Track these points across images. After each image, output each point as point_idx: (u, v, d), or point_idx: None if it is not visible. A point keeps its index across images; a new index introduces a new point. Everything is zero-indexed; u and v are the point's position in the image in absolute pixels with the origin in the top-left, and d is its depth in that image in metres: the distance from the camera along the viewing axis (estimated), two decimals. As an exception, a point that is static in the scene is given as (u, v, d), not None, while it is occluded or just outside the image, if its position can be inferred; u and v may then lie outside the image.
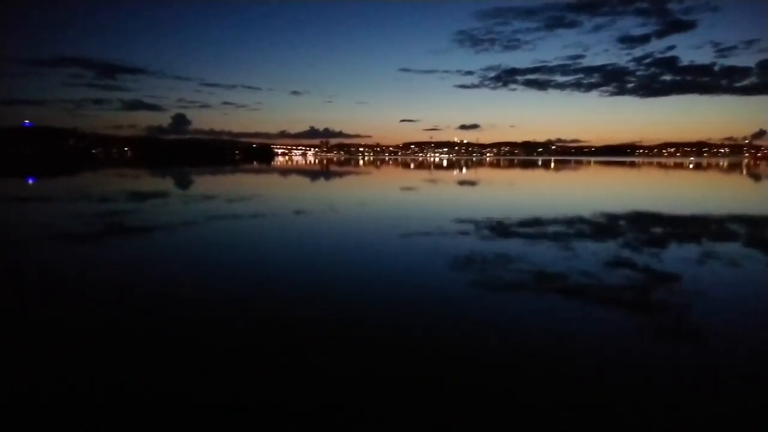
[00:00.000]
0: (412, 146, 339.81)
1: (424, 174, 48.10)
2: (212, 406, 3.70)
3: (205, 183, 31.46)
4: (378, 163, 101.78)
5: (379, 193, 24.85)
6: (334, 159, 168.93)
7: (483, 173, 51.29)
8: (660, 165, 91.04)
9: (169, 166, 57.44)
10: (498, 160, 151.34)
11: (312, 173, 48.49)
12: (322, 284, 7.06)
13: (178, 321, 5.51)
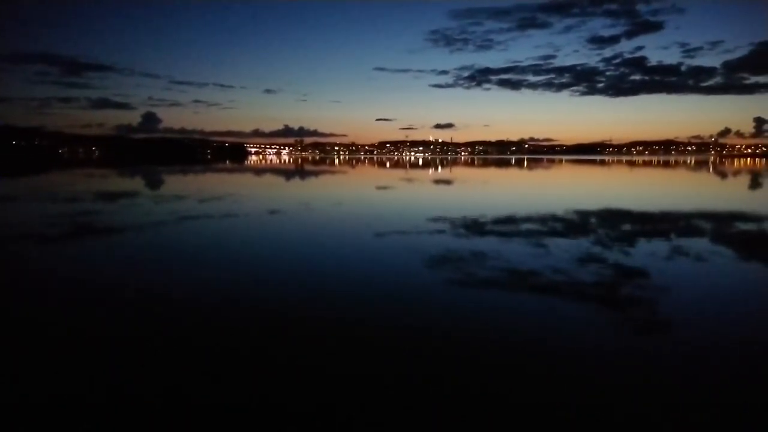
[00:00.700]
0: (388, 145, 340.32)
1: (399, 173, 48.17)
2: (180, 407, 3.58)
3: (176, 183, 30.82)
4: (353, 162, 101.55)
5: (355, 192, 24.76)
6: (309, 158, 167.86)
7: (458, 172, 51.67)
8: (629, 163, 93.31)
9: (137, 166, 56.11)
10: (472, 159, 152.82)
11: (286, 172, 48.03)
12: (296, 283, 6.95)
13: (144, 321, 5.32)
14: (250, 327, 5.27)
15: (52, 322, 5.39)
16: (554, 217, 13.88)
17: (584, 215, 14.51)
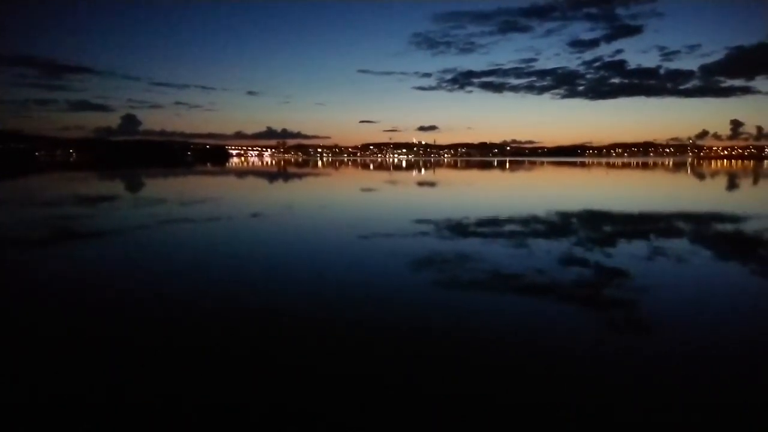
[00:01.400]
0: (372, 147, 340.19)
1: (383, 175, 48.19)
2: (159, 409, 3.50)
3: (154, 186, 30.37)
4: (337, 164, 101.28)
5: (339, 194, 24.70)
6: (292, 160, 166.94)
7: (441, 174, 51.88)
8: (609, 165, 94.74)
9: (115, 169, 55.15)
10: (456, 161, 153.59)
11: (268, 175, 47.67)
12: (280, 286, 6.88)
13: (123, 324, 5.19)
14: (232, 330, 5.18)
15: (31, 325, 5.25)
16: (536, 219, 14.00)
17: (565, 216, 14.65)
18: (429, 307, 6.06)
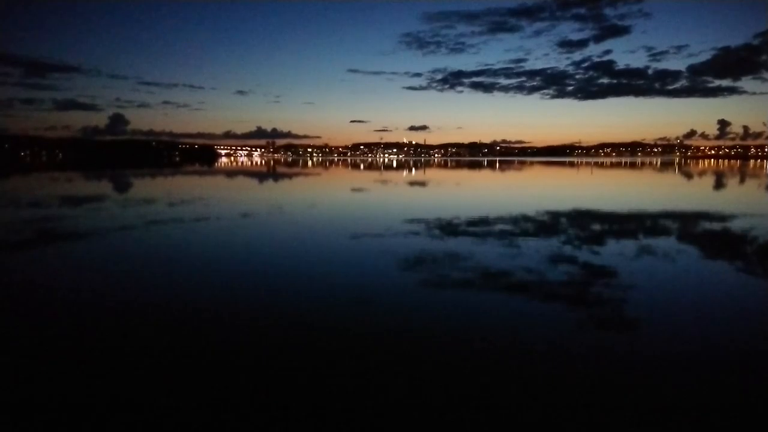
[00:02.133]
0: (362, 147, 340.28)
1: (374, 175, 48.07)
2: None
3: (140, 187, 29.96)
4: (327, 164, 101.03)
5: (329, 194, 24.53)
6: (282, 160, 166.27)
7: (432, 174, 51.88)
8: (597, 164, 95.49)
9: (99, 169, 54.39)
10: (446, 161, 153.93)
11: (257, 175, 47.33)
12: (270, 287, 6.79)
13: (105, 328, 5.08)
14: (219, 330, 5.10)
15: (10, 330, 5.12)
16: (525, 218, 13.96)
17: (554, 216, 14.64)
18: (419, 307, 6.02)
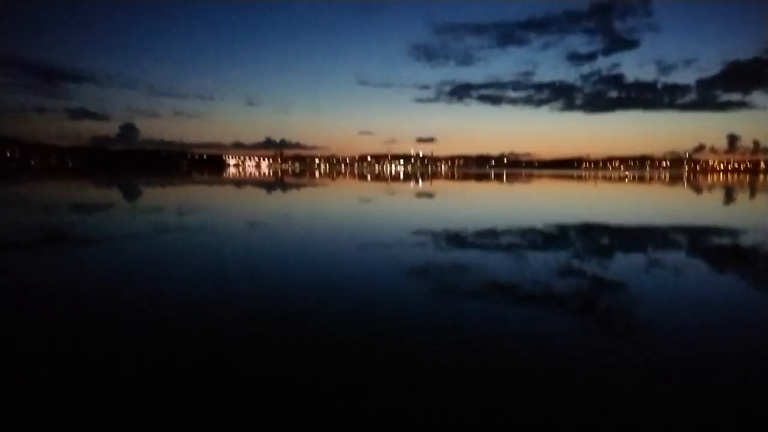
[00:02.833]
0: (369, 158, 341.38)
1: (381, 186, 48.09)
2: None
3: (147, 194, 30.13)
4: (334, 174, 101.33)
5: (336, 204, 24.53)
6: (289, 170, 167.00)
7: (439, 185, 51.82)
8: (605, 178, 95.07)
9: (107, 177, 54.82)
10: (453, 173, 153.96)
11: (265, 185, 47.49)
12: (278, 295, 6.78)
13: (115, 334, 5.08)
14: (224, 336, 5.09)
15: (21, 334, 5.12)
16: (534, 231, 13.85)
17: (562, 229, 14.51)
18: (425, 315, 5.99)
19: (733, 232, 14.34)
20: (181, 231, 13.04)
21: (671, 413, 3.77)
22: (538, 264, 9.17)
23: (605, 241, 12.50)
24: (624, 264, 9.34)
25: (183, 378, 4.23)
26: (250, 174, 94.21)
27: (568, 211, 21.26)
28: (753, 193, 41.30)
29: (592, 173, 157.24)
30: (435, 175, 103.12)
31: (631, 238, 13.21)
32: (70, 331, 5.32)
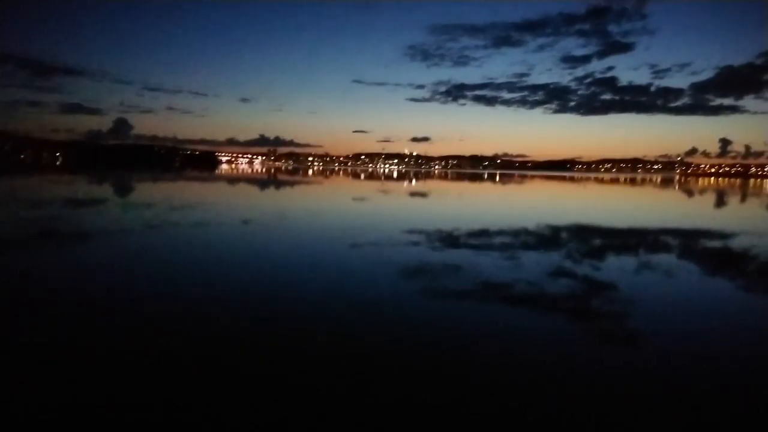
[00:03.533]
0: (363, 157, 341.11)
1: (375, 185, 48.07)
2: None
3: (137, 191, 29.91)
4: (327, 173, 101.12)
5: (330, 203, 24.47)
6: (282, 168, 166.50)
7: (432, 185, 51.88)
8: (597, 180, 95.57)
9: (97, 172, 54.32)
10: (447, 173, 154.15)
11: (257, 182, 47.31)
12: (271, 294, 6.76)
13: (102, 332, 5.04)
14: (220, 338, 5.07)
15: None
16: (525, 231, 13.90)
17: (553, 230, 14.58)
18: (415, 314, 6.00)
19: (718, 235, 14.46)
20: (173, 228, 12.94)
21: (658, 406, 3.81)
22: (527, 264, 9.20)
23: (593, 242, 12.56)
24: (610, 265, 9.39)
25: (156, 373, 4.21)
26: (243, 171, 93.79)
27: (558, 213, 21.34)
28: (743, 197, 41.68)
29: (585, 175, 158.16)
30: (429, 175, 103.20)
31: (618, 240, 13.28)
32: (55, 328, 5.26)
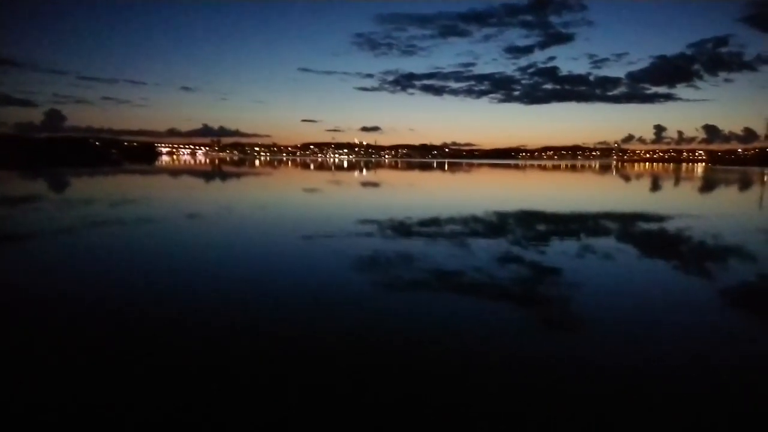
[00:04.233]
0: (312, 147, 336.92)
1: (325, 175, 47.66)
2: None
3: (74, 186, 28.30)
4: (275, 163, 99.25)
5: (279, 195, 24.06)
6: (228, 159, 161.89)
7: (383, 175, 52.02)
8: (540, 167, 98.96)
9: (25, 168, 50.97)
10: (397, 162, 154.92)
11: (201, 174, 45.82)
12: (220, 289, 6.61)
13: (44, 335, 4.81)
14: (164, 337, 4.95)
15: None
16: (475, 218, 14.21)
17: (501, 216, 15.01)
18: (369, 307, 6.05)
19: (654, 217, 15.35)
20: (116, 226, 12.36)
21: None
22: (477, 252, 9.44)
23: (538, 228, 13.03)
24: (555, 248, 9.77)
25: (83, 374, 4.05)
26: (185, 162, 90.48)
27: (505, 200, 21.96)
28: (676, 181, 44.33)
29: (529, 162, 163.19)
30: (379, 165, 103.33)
31: (561, 225, 13.85)
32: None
